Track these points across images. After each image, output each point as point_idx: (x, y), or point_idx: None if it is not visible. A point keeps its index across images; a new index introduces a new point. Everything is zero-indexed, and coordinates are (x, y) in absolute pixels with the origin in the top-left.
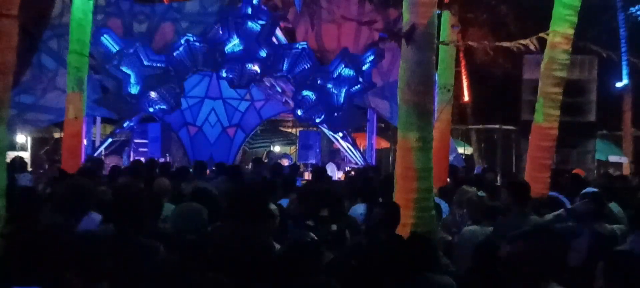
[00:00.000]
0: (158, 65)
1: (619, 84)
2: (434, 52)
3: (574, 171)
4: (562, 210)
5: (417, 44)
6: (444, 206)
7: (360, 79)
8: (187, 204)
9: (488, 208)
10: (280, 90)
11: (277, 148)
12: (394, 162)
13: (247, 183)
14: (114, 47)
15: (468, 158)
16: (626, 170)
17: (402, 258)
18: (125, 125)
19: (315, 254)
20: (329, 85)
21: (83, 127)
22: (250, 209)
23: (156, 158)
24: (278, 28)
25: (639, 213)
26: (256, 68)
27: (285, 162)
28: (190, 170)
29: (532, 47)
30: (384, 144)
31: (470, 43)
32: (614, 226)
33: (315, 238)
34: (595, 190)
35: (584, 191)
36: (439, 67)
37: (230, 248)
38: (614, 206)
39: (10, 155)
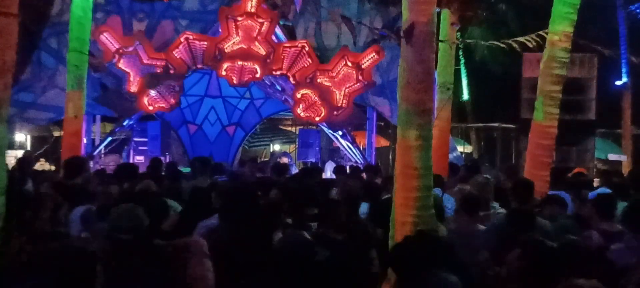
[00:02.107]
0: (157, 63)
1: (618, 82)
2: (433, 50)
3: (575, 170)
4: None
5: (416, 42)
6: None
7: (360, 77)
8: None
9: (471, 202)
10: (280, 88)
11: (276, 147)
12: (394, 160)
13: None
14: (113, 46)
15: (467, 156)
16: (626, 169)
17: (409, 255)
18: (125, 123)
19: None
20: (329, 84)
21: (83, 126)
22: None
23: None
24: (278, 26)
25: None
26: (256, 66)
27: (285, 160)
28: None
29: (530, 45)
30: (384, 143)
31: (469, 41)
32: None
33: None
34: (609, 191)
35: (597, 192)
36: (438, 66)
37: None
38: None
39: (11, 154)
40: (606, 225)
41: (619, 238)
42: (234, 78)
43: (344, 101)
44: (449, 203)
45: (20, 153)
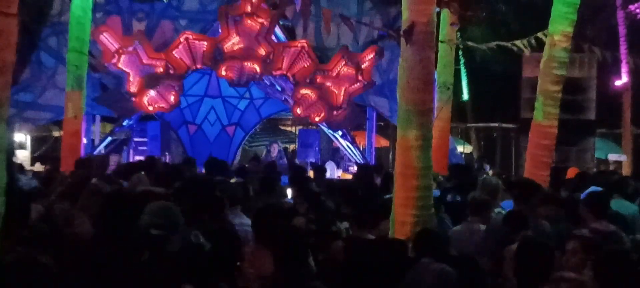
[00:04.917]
0: (157, 63)
1: (618, 82)
2: (433, 50)
3: (569, 170)
4: None
5: (416, 42)
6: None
7: (360, 77)
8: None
9: (478, 204)
10: (279, 88)
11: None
12: (394, 160)
13: None
14: (113, 46)
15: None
16: (626, 169)
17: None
18: (124, 123)
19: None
20: (328, 84)
21: (82, 126)
22: None
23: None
24: (277, 26)
25: None
26: (255, 66)
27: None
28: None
29: (527, 51)
30: (384, 143)
31: (469, 43)
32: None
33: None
34: (599, 189)
35: (588, 191)
36: (438, 65)
37: None
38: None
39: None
40: (598, 225)
41: (612, 238)
42: (234, 78)
43: (344, 101)
44: None
45: (21, 153)
